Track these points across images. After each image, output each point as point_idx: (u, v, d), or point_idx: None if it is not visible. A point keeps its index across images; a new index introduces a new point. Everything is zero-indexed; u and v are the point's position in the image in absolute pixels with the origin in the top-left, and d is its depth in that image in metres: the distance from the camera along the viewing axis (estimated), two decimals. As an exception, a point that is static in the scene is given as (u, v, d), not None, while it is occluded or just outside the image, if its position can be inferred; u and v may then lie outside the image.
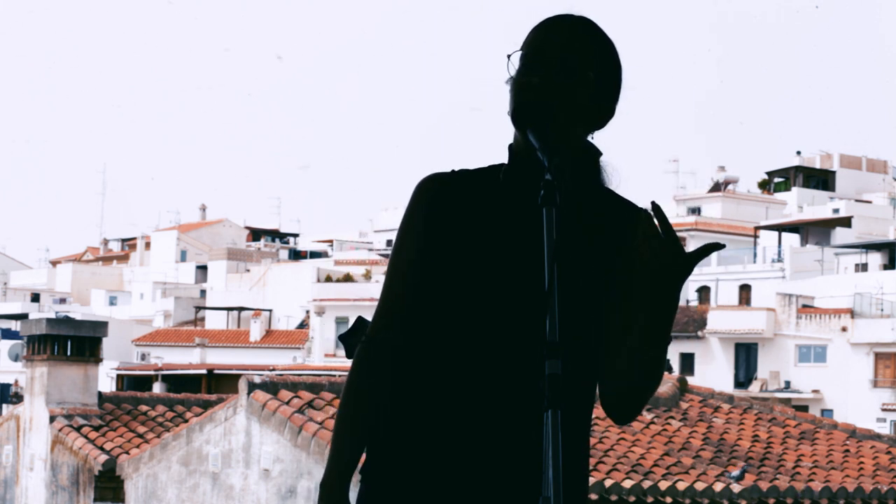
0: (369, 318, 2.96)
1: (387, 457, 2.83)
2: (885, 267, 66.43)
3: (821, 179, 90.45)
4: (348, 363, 2.95)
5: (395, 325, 2.86)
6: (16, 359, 60.23)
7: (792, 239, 77.42)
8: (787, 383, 58.88)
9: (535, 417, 2.70)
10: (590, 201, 2.87)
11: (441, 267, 2.82)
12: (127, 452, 17.77)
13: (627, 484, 14.79)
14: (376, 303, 2.94)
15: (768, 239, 78.26)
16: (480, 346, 2.79)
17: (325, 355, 65.07)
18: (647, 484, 14.92)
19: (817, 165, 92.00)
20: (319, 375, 25.87)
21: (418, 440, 2.80)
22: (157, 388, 44.12)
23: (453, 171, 2.92)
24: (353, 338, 2.93)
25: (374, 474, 2.85)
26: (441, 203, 2.86)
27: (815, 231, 77.34)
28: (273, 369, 41.93)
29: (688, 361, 60.07)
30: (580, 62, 2.85)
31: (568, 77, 2.84)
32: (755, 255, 74.52)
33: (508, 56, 2.89)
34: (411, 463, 2.80)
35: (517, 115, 2.80)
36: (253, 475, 15.09)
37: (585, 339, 2.83)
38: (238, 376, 17.20)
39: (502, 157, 2.93)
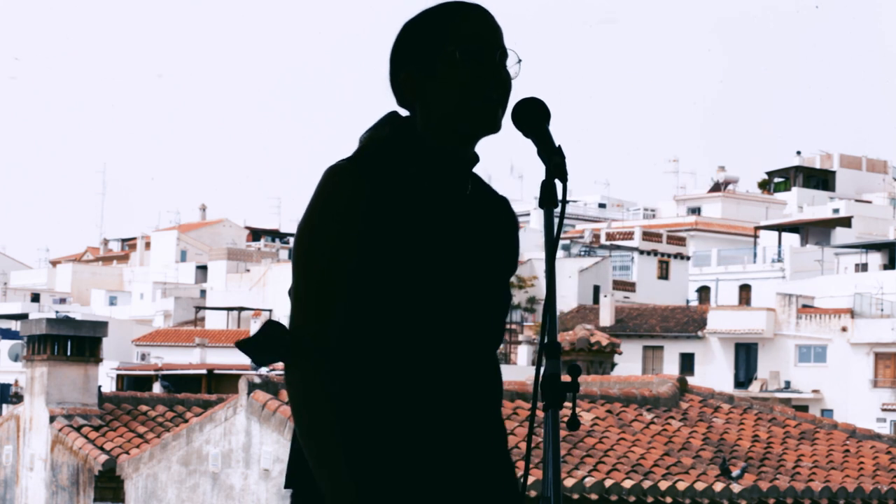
0: None
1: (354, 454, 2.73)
2: (885, 267, 66.42)
3: (821, 179, 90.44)
4: None
5: (337, 329, 2.68)
6: (16, 359, 60.18)
7: (792, 239, 77.42)
8: (787, 383, 58.86)
9: (476, 412, 2.71)
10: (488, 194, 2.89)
11: (381, 263, 2.70)
12: (127, 452, 17.76)
13: (627, 484, 14.79)
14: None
15: (768, 239, 78.27)
16: (432, 342, 2.71)
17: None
18: (647, 484, 14.91)
19: (817, 165, 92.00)
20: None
21: (375, 437, 2.71)
22: (157, 388, 44.09)
23: (354, 158, 2.80)
24: (261, 342, 2.67)
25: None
26: (366, 196, 2.73)
27: (815, 231, 77.34)
28: (273, 369, 41.87)
29: (688, 361, 60.04)
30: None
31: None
32: (755, 255, 74.54)
33: (440, 51, 2.78)
34: (374, 459, 2.71)
35: (517, 113, 2.71)
36: (253, 475, 15.08)
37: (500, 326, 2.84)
38: (238, 376, 17.20)
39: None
